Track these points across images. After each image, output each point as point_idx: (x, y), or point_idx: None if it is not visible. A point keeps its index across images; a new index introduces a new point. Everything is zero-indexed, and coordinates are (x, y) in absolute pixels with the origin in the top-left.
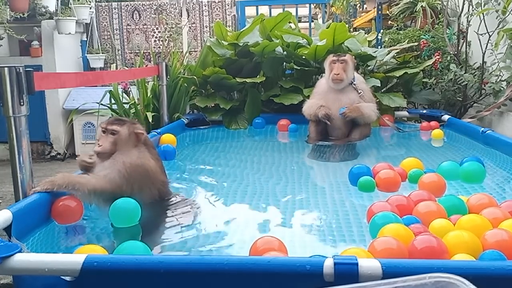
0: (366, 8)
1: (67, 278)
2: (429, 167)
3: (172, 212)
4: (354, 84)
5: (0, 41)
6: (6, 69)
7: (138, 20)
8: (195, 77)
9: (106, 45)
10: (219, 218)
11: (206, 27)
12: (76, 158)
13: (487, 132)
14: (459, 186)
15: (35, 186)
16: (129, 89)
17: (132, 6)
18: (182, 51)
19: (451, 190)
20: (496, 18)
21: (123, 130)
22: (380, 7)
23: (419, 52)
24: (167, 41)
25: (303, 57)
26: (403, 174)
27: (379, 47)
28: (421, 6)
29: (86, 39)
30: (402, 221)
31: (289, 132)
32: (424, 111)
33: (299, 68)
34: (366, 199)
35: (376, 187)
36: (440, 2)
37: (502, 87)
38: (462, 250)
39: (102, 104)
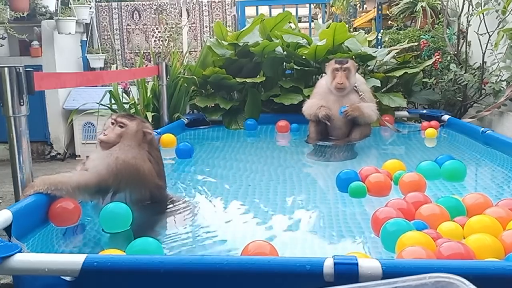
0: (366, 8)
1: (67, 278)
2: None
3: (171, 213)
4: (355, 86)
5: (1, 40)
6: (6, 69)
7: (138, 20)
8: (195, 77)
9: (106, 45)
10: (219, 218)
11: (206, 27)
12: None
13: (487, 132)
14: (433, 186)
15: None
16: (129, 89)
17: (132, 6)
18: (182, 51)
19: (429, 191)
20: (496, 18)
21: (131, 125)
22: (380, 7)
23: (419, 52)
24: (167, 41)
25: (303, 57)
26: (389, 176)
27: (379, 47)
28: (421, 6)
29: (86, 39)
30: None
31: (291, 131)
32: (424, 111)
33: (299, 68)
34: (366, 200)
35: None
36: (440, 2)
37: (502, 87)
38: (488, 254)
39: (102, 104)
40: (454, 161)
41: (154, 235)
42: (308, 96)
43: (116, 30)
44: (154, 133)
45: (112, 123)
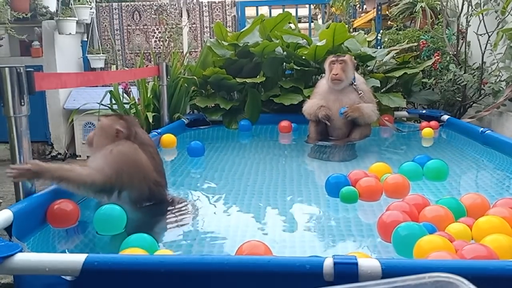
0: (365, 8)
1: (68, 278)
2: None
3: (171, 213)
4: (355, 85)
5: (0, 41)
6: (7, 69)
7: (139, 20)
8: (195, 77)
9: (107, 45)
10: (218, 218)
11: (206, 28)
12: None
13: (486, 132)
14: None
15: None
16: (130, 89)
17: (133, 7)
18: (182, 52)
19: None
20: (496, 19)
21: (104, 120)
22: (379, 7)
23: (418, 53)
24: (167, 42)
25: (303, 57)
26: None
27: (378, 47)
28: (421, 6)
29: (86, 39)
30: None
31: (293, 131)
32: (424, 111)
33: (299, 68)
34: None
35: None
36: (439, 3)
37: (502, 87)
38: (508, 255)
39: (102, 104)
40: (436, 160)
41: (155, 235)
42: (308, 97)
43: (117, 31)
44: (155, 133)
45: None
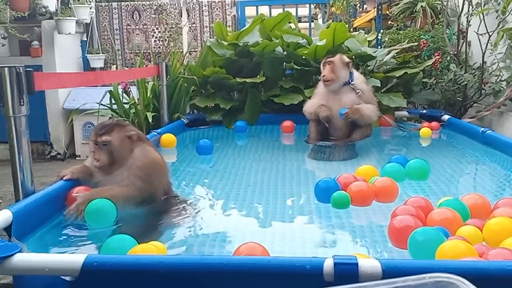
0: (366, 8)
1: (67, 278)
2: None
3: (172, 212)
4: (353, 84)
5: (1, 40)
6: (6, 69)
7: (138, 20)
8: (195, 77)
9: (106, 45)
10: (218, 218)
11: (206, 27)
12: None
13: (487, 132)
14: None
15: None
16: (129, 89)
17: (132, 6)
18: (182, 51)
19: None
20: (496, 18)
21: (113, 139)
22: (380, 7)
23: (419, 52)
24: (167, 41)
25: (303, 57)
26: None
27: (379, 47)
28: (421, 6)
29: (86, 39)
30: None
31: (295, 131)
32: (424, 111)
33: (299, 68)
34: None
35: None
36: (440, 2)
37: (502, 87)
38: None
39: (102, 104)
40: (418, 160)
41: (155, 234)
42: (309, 97)
43: (116, 30)
44: (155, 133)
45: (96, 144)
